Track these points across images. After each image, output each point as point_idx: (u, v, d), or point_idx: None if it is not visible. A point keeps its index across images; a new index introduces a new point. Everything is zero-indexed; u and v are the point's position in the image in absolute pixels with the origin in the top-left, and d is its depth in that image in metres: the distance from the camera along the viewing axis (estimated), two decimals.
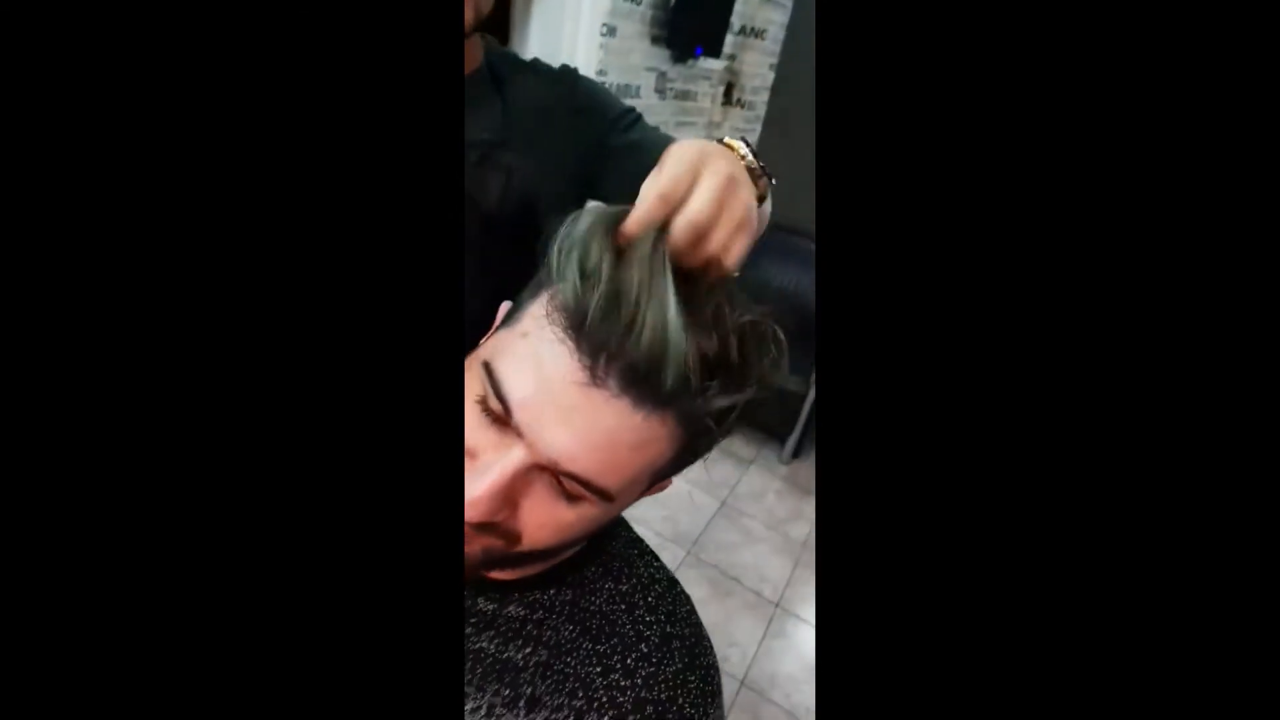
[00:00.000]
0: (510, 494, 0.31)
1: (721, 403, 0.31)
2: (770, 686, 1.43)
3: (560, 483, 0.31)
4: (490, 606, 0.40)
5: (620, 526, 0.47)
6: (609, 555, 0.45)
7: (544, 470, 0.30)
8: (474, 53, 0.64)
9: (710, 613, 1.59)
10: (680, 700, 0.39)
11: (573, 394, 0.29)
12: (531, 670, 0.39)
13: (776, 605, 1.64)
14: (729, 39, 2.22)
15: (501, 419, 0.30)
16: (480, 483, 0.30)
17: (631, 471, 0.31)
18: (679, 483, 0.41)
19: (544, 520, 0.33)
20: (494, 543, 0.34)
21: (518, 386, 0.30)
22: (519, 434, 0.30)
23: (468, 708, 0.38)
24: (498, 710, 0.38)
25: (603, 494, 0.31)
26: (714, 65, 2.25)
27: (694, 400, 0.30)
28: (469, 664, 0.39)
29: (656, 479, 0.35)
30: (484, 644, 0.40)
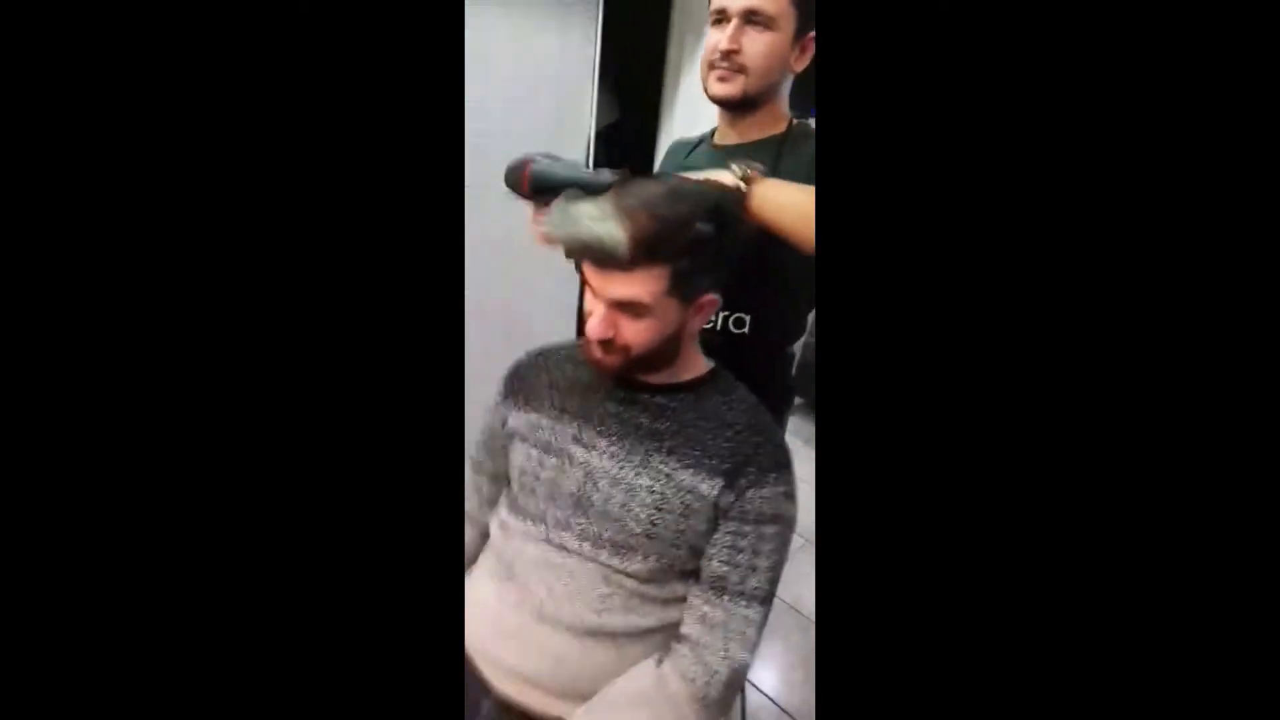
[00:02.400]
0: (610, 321, 0.65)
1: (648, 244, 0.59)
2: None
3: (624, 309, 0.64)
4: (645, 397, 0.73)
5: (727, 378, 0.78)
6: (716, 381, 0.76)
7: (616, 307, 0.64)
8: (779, 120, 0.86)
9: None
10: (760, 456, 0.69)
11: (600, 276, 0.62)
12: (670, 435, 0.71)
13: None
14: None
15: (594, 292, 0.64)
16: (594, 320, 0.65)
17: (647, 294, 0.62)
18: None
19: (631, 331, 0.66)
20: (619, 355, 0.68)
21: (591, 281, 0.64)
22: (600, 298, 0.64)
23: (634, 455, 0.70)
24: (651, 454, 0.70)
25: (643, 306, 0.63)
26: None
27: (639, 261, 0.60)
28: (634, 431, 0.72)
29: (680, 295, 0.65)
30: (643, 420, 0.72)
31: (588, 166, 0.71)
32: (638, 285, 0.62)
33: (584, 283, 0.66)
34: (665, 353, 0.70)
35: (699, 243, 0.60)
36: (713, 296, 0.68)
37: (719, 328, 0.89)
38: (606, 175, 0.65)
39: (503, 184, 0.72)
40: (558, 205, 0.62)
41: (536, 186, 0.73)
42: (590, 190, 0.63)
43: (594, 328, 0.65)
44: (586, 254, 0.61)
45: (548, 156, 0.73)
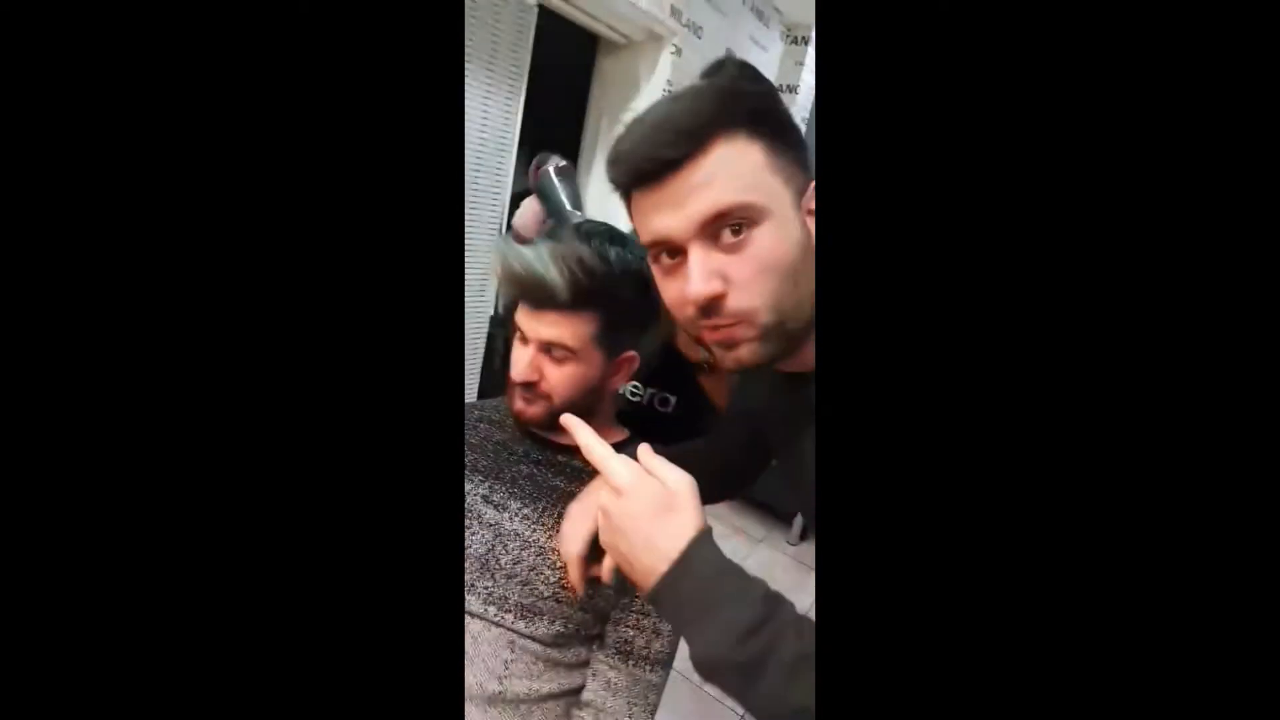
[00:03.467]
0: (535, 365, 0.69)
1: (583, 289, 0.66)
2: None
3: (551, 353, 0.69)
4: (561, 459, 0.75)
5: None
6: (631, 449, 0.79)
7: (544, 351, 0.68)
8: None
9: None
10: None
11: (533, 317, 0.67)
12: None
13: None
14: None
15: (523, 339, 0.69)
16: (521, 364, 0.68)
17: (575, 338, 0.67)
18: None
19: (555, 377, 0.69)
20: (541, 404, 0.70)
21: (522, 324, 0.68)
22: (527, 342, 0.68)
23: (546, 518, 0.71)
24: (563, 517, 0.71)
25: (569, 349, 0.68)
26: None
27: (574, 303, 0.65)
28: (548, 494, 0.73)
29: (605, 344, 0.69)
30: (557, 482, 0.74)
31: (573, 205, 0.84)
32: (567, 328, 0.66)
33: (506, 339, 0.71)
34: (584, 407, 0.73)
35: (623, 301, 0.67)
36: (633, 353, 0.73)
37: (645, 403, 0.93)
38: (575, 217, 0.78)
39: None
40: (500, 246, 0.69)
41: (538, 189, 0.86)
42: (557, 219, 0.76)
43: (519, 370, 0.68)
44: (529, 289, 0.66)
45: (560, 174, 0.85)
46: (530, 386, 0.69)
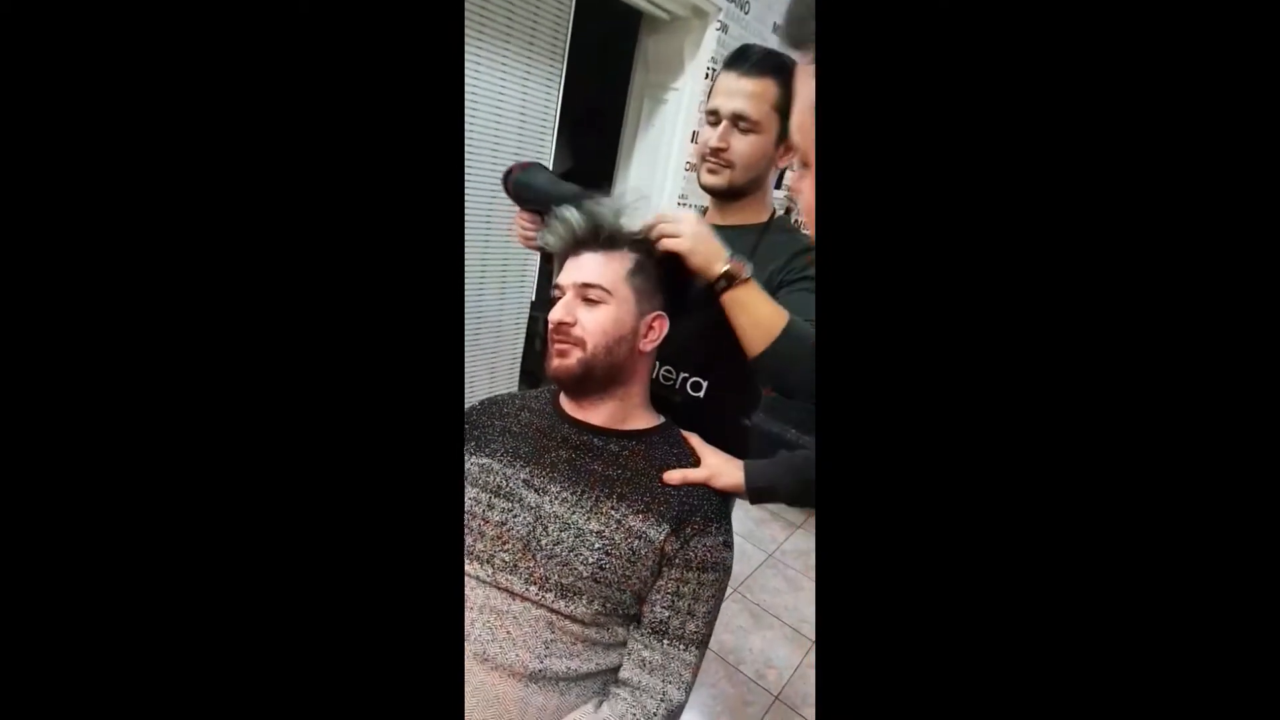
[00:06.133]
0: (570, 307, 0.73)
1: (625, 238, 0.75)
2: (801, 704, 1.61)
3: (587, 295, 0.74)
4: (598, 442, 0.76)
5: (677, 432, 0.82)
6: (666, 434, 0.80)
7: (581, 293, 0.74)
8: (763, 211, 0.94)
9: (751, 640, 1.80)
10: (705, 506, 0.73)
11: (571, 267, 0.74)
12: (621, 483, 0.73)
13: (813, 642, 1.83)
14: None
15: (561, 292, 0.75)
16: (559, 306, 0.73)
17: (608, 277, 0.73)
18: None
19: (588, 320, 0.73)
20: (575, 349, 0.74)
21: (564, 274, 0.74)
22: (563, 290, 0.74)
23: (585, 500, 0.73)
24: (602, 500, 0.72)
25: (604, 289, 0.73)
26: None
27: (614, 240, 0.74)
28: (586, 477, 0.74)
29: (636, 286, 0.75)
30: (595, 466, 0.75)
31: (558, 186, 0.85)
32: (604, 265, 0.73)
33: (546, 320, 0.76)
34: (618, 365, 0.75)
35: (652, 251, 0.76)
36: (662, 314, 0.76)
37: (677, 386, 0.93)
38: (571, 189, 0.80)
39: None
40: (558, 214, 0.77)
41: (517, 192, 0.86)
42: (559, 197, 0.80)
43: (556, 313, 0.73)
44: (585, 234, 0.75)
45: (533, 166, 0.86)
46: (565, 331, 0.72)
